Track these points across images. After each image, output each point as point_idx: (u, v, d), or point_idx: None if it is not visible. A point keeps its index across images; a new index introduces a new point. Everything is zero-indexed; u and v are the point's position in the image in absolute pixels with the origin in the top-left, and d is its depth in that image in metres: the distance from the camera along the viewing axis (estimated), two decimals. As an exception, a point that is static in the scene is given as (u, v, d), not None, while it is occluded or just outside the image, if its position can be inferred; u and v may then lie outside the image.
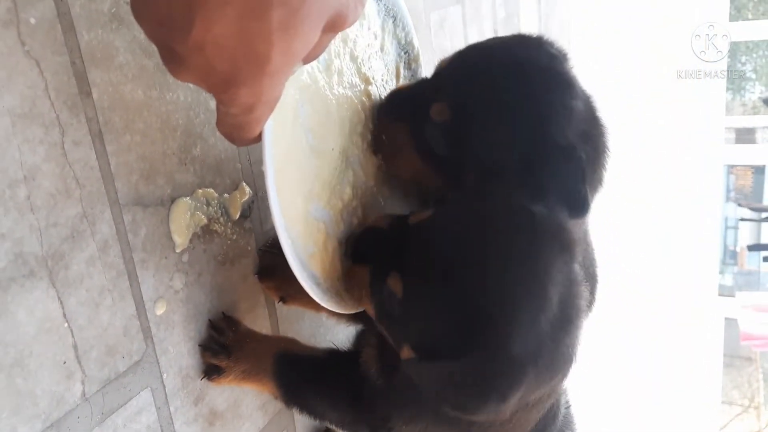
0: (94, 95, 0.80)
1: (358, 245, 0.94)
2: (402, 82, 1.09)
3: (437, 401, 0.84)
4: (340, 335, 1.29)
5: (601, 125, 0.99)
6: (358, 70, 0.99)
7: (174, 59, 0.56)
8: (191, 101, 0.94)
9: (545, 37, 1.00)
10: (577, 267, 0.82)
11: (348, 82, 0.96)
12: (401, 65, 1.10)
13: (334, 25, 0.58)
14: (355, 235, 0.95)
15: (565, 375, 0.84)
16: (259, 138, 0.75)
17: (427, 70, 1.12)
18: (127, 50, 0.84)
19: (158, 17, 0.53)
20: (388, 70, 1.06)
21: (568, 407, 1.15)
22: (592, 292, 1.37)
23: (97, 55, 0.81)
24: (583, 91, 0.97)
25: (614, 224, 3.99)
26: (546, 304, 0.77)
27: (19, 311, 0.73)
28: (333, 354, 1.08)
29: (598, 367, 3.88)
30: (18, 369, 0.73)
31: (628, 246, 4.64)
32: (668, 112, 5.77)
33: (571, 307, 0.79)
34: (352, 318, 1.08)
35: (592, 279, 1.35)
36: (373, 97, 1.01)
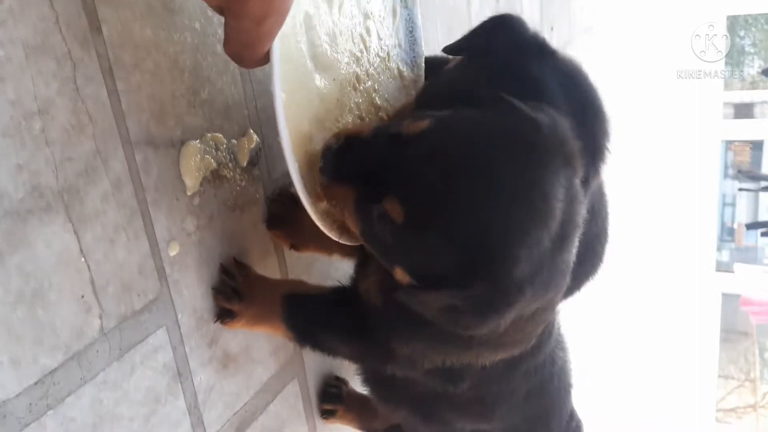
0: (104, 31, 0.81)
1: (338, 161, 0.83)
2: (398, 20, 1.09)
3: (436, 322, 0.84)
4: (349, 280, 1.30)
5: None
6: (358, 3, 1.00)
7: None
8: (198, 43, 0.95)
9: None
10: (577, 183, 0.80)
11: (348, 13, 0.97)
12: (398, 4, 1.11)
13: None
14: (333, 148, 0.84)
15: (558, 289, 0.84)
16: (266, 59, 0.76)
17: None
18: (135, -12, 0.85)
19: None
20: (385, 7, 1.07)
21: (559, 328, 1.18)
22: (600, 252, 1.38)
23: (106, -9, 0.81)
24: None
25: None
26: (549, 223, 0.76)
27: (38, 243, 0.74)
28: (338, 290, 1.09)
29: (597, 342, 3.91)
30: (39, 299, 0.74)
31: (626, 222, 4.66)
32: (666, 88, 5.77)
33: (569, 224, 0.78)
34: (363, 255, 1.08)
35: (601, 237, 1.35)
36: (371, 32, 1.02)
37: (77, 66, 0.78)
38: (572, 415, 1.31)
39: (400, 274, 0.84)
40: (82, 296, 0.80)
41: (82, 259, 0.80)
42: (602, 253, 1.38)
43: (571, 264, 0.85)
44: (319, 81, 0.92)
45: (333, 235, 0.91)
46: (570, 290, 1.41)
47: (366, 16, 1.02)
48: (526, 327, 0.90)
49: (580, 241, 0.87)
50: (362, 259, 1.04)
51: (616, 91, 3.97)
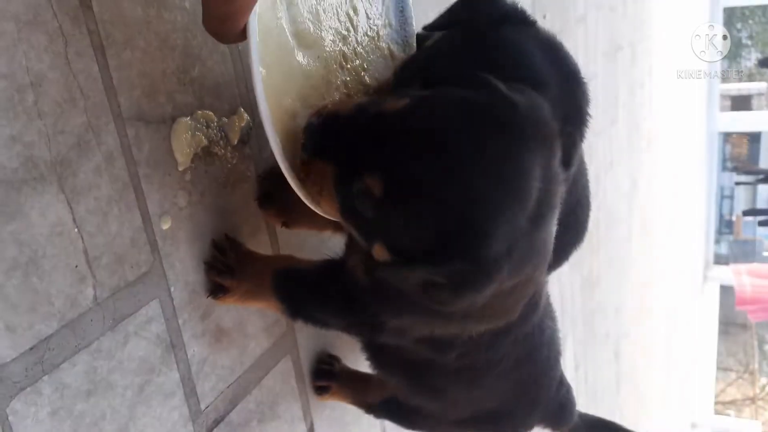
0: (95, 8, 0.83)
1: (319, 136, 0.85)
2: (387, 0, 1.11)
3: (415, 299, 0.86)
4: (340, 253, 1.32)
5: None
6: None
7: None
8: (188, 22, 0.97)
9: None
10: (556, 163, 0.82)
11: None
12: None
13: None
14: (314, 124, 0.85)
15: (537, 267, 0.86)
16: (243, 35, 0.78)
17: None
18: (125, -33, 0.87)
19: None
20: None
21: (548, 297, 1.21)
22: (584, 220, 1.41)
23: (96, -31, 0.83)
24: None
25: (608, 188, 4.02)
26: (525, 202, 0.78)
27: (32, 213, 0.76)
28: (328, 264, 1.11)
29: (594, 333, 3.94)
30: (33, 268, 0.77)
31: (623, 215, 4.68)
32: (662, 80, 5.78)
33: (546, 205, 0.80)
34: None
35: (583, 204, 1.38)
36: (358, 11, 1.03)
37: (68, 41, 0.80)
38: (561, 381, 1.35)
39: (379, 252, 0.86)
40: (76, 266, 0.82)
41: (76, 230, 0.82)
42: (585, 221, 1.41)
43: (551, 243, 0.88)
44: (302, 58, 0.93)
45: (318, 209, 0.93)
46: (558, 260, 1.44)
47: None
48: (506, 301, 0.92)
49: (562, 209, 0.89)
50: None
51: (609, 82, 3.99)
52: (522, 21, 0.98)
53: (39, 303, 0.78)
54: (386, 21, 1.12)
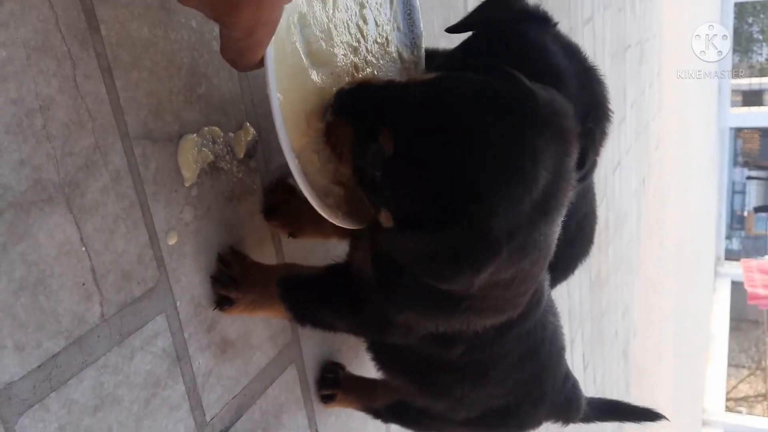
0: (103, 31, 0.84)
1: (347, 96, 0.90)
2: (395, 5, 1.12)
3: (413, 270, 0.87)
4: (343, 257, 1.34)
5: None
6: None
7: None
8: (195, 41, 0.98)
9: None
10: (570, 163, 0.84)
11: (343, 6, 1.00)
12: None
13: None
14: (345, 89, 0.90)
15: (536, 262, 0.87)
16: (261, 63, 0.79)
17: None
18: (132, -11, 0.88)
19: None
20: None
21: (549, 294, 1.22)
22: (591, 232, 1.42)
23: (103, -8, 0.84)
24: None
25: (616, 188, 4.01)
26: (532, 185, 0.79)
27: (40, 233, 0.78)
28: (331, 267, 1.13)
29: (605, 329, 3.94)
30: (41, 287, 0.79)
31: (633, 212, 4.67)
32: (671, 78, 5.74)
33: (553, 198, 0.82)
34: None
35: (590, 218, 1.40)
36: (368, 20, 1.04)
37: (77, 64, 0.81)
38: (567, 376, 1.36)
39: (385, 218, 0.89)
40: (83, 284, 0.84)
41: (83, 249, 0.84)
42: (592, 235, 1.42)
43: (553, 242, 0.89)
44: (316, 76, 0.95)
45: (335, 221, 0.95)
46: (564, 272, 1.46)
47: (361, 5, 1.04)
48: (505, 293, 0.94)
49: (570, 222, 0.90)
50: (356, 232, 1.08)
51: (617, 81, 3.97)
52: (543, 19, 1.01)
53: (47, 321, 0.80)
54: (395, 25, 1.13)
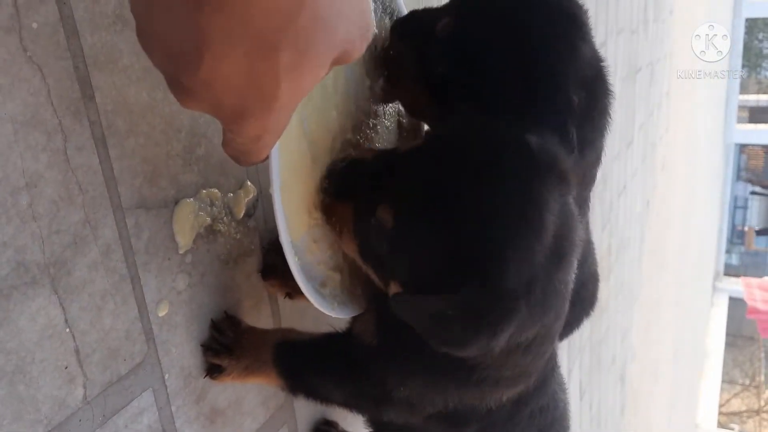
0: (98, 99, 0.79)
1: (341, 179, 0.89)
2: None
3: (425, 337, 0.81)
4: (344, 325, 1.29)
5: (603, 75, 1.01)
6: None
7: (182, 90, 0.55)
8: (196, 102, 0.93)
9: None
10: (572, 201, 0.81)
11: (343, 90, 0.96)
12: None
13: (340, 60, 0.57)
14: (337, 169, 0.90)
15: (557, 314, 0.83)
16: (265, 159, 0.75)
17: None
18: (131, 52, 0.83)
19: (167, 51, 0.52)
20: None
21: (558, 367, 1.16)
22: (594, 291, 1.38)
23: (100, 58, 0.79)
24: (590, 38, 0.99)
25: (620, 212, 3.96)
26: (542, 233, 0.75)
27: (21, 319, 0.73)
28: (330, 335, 1.08)
29: (601, 342, 3.90)
30: (20, 376, 0.74)
31: (636, 235, 4.62)
32: (680, 98, 5.70)
33: (565, 241, 0.78)
34: None
35: (593, 278, 1.36)
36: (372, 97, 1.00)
37: (68, 137, 0.77)
38: None
39: (395, 290, 0.85)
40: (66, 367, 0.79)
41: (67, 330, 0.79)
42: (596, 293, 1.38)
43: (570, 288, 0.84)
44: (319, 165, 0.91)
45: (331, 313, 0.93)
46: (569, 329, 1.41)
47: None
48: (525, 358, 0.89)
49: (575, 283, 0.86)
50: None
51: (627, 104, 3.92)
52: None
53: (25, 411, 0.75)
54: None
